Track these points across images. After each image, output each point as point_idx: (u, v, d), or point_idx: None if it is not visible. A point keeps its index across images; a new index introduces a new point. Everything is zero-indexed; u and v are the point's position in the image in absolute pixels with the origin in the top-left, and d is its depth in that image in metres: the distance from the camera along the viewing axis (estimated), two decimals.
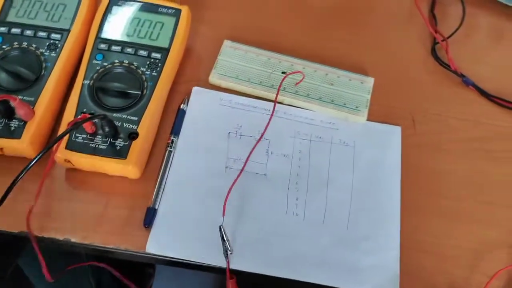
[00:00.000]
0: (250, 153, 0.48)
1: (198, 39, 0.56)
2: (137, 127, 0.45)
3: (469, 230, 0.47)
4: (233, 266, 0.43)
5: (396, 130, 0.52)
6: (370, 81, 0.54)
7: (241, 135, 0.50)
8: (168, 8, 0.52)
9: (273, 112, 0.50)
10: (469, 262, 0.45)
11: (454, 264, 0.45)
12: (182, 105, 0.51)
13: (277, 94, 0.51)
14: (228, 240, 0.43)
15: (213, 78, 0.53)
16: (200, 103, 0.52)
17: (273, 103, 0.51)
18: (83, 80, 0.48)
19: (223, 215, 0.43)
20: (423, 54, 0.57)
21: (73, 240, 0.43)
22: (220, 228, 0.43)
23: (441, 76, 0.56)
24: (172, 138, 0.49)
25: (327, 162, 0.49)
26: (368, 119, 0.52)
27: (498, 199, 0.49)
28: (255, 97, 0.52)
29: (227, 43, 0.55)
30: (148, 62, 0.49)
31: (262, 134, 0.48)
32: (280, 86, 0.51)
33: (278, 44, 0.56)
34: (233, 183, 0.45)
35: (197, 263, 0.43)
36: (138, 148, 0.45)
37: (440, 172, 0.50)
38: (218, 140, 0.50)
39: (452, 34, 0.57)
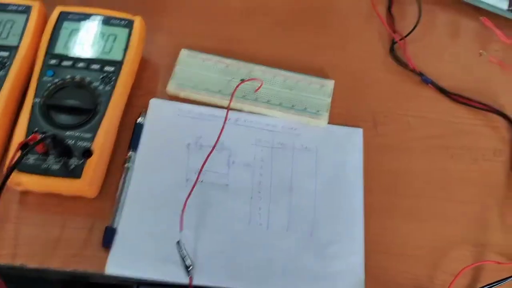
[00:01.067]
0: (204, 163, 0.46)
1: (154, 49, 0.55)
2: (91, 145, 0.44)
3: (432, 229, 0.47)
4: (197, 281, 0.42)
5: (358, 132, 0.52)
6: (330, 84, 0.54)
7: (201, 145, 0.49)
8: (120, 19, 0.51)
9: (225, 120, 0.48)
10: (433, 261, 0.45)
11: (418, 264, 0.45)
12: (139, 118, 0.50)
13: (230, 102, 0.50)
14: (186, 255, 0.42)
15: (171, 89, 0.52)
16: (158, 115, 0.51)
17: (233, 111, 0.51)
18: (34, 98, 0.46)
19: (181, 229, 0.43)
20: (382, 54, 0.57)
21: (29, 265, 0.42)
22: (177, 243, 0.43)
23: (400, 76, 0.56)
24: (130, 153, 0.48)
25: (289, 169, 0.49)
26: (330, 122, 0.51)
27: (459, 195, 0.49)
28: (215, 106, 0.52)
29: (184, 52, 0.54)
30: (101, 77, 0.48)
31: (215, 144, 0.47)
32: (233, 93, 0.50)
33: (237, 51, 0.55)
34: (188, 196, 0.44)
35: (160, 282, 0.42)
36: (93, 166, 0.44)
37: (402, 171, 0.50)
38: (177, 152, 0.49)
39: (409, 33, 0.57)
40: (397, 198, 0.48)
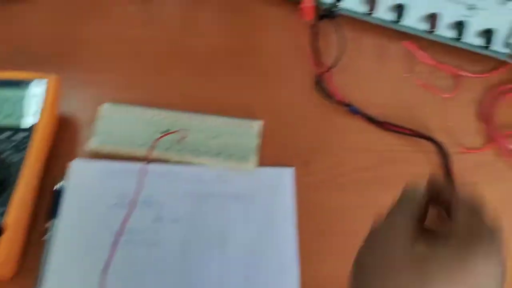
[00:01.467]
0: (124, 223, 0.45)
1: (73, 106, 0.53)
2: (2, 221, 0.42)
3: None
4: None
5: (289, 172, 0.51)
6: (257, 125, 0.53)
7: (127, 205, 0.47)
8: (30, 81, 0.49)
9: (142, 173, 0.47)
10: None
11: None
12: (58, 184, 0.47)
13: (148, 156, 0.48)
14: None
15: (93, 147, 0.50)
16: (80, 177, 0.49)
17: (159, 164, 0.49)
18: None
19: None
20: (309, 89, 0.57)
21: None
22: None
23: (328, 109, 0.55)
24: (49, 223, 0.45)
25: (220, 219, 0.48)
26: (260, 164, 0.50)
27: None
28: (141, 160, 0.50)
29: (106, 106, 0.52)
30: (12, 145, 0.45)
31: (135, 200, 0.45)
32: (152, 147, 0.49)
33: (161, 100, 0.54)
34: (108, 262, 0.42)
35: None
36: (6, 243, 0.41)
37: (336, 209, 0.49)
38: (103, 214, 0.47)
39: (334, 65, 0.57)
40: (333, 238, 0.47)
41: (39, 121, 0.47)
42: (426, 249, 0.29)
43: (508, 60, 0.58)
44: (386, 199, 0.50)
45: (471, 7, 0.56)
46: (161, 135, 0.50)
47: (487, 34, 0.57)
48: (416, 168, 0.52)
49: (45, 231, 0.45)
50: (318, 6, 0.59)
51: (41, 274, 0.42)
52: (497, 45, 0.58)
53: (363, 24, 0.61)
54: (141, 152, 0.50)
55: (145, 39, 0.59)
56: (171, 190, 0.48)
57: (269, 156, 0.51)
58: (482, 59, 0.59)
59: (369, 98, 0.56)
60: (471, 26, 0.57)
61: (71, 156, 0.50)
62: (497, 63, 0.59)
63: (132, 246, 0.45)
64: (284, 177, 0.50)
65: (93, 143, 0.50)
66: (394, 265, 0.29)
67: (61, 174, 0.48)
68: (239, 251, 0.46)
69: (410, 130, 0.54)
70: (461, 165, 0.52)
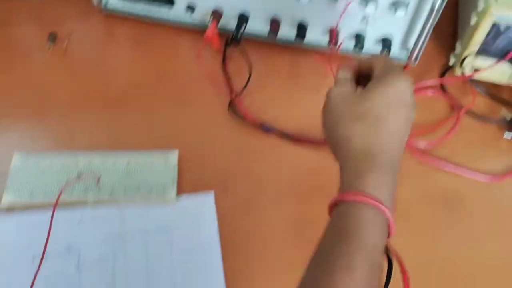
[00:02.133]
0: (35, 277, 0.44)
1: None
2: None
3: (294, 279, 0.47)
4: None
5: (209, 197, 0.51)
6: (174, 155, 0.53)
7: (47, 255, 0.46)
8: None
9: (51, 222, 0.47)
10: None
11: None
12: None
13: (56, 202, 0.48)
14: None
15: (6, 202, 0.49)
16: None
17: (77, 209, 0.49)
18: None
19: None
20: (223, 114, 0.58)
21: None
22: None
23: (243, 131, 0.57)
24: None
25: (144, 255, 0.47)
26: (180, 192, 0.51)
27: (316, 235, 0.50)
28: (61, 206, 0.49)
29: (17, 156, 0.52)
30: None
31: (43, 252, 0.45)
32: (59, 196, 0.48)
33: (73, 143, 0.54)
34: None
35: None
36: None
37: (257, 229, 0.50)
38: (23, 270, 0.45)
39: (243, 88, 0.59)
40: (256, 258, 0.48)
41: None
42: (361, 97, 0.39)
43: (408, 62, 0.61)
44: (306, 212, 0.52)
45: (364, 19, 0.59)
46: (67, 183, 0.49)
47: (385, 41, 0.60)
48: (334, 177, 0.54)
49: None
50: (223, 33, 0.61)
51: None
52: (396, 50, 0.61)
53: (269, 45, 0.64)
54: (58, 199, 0.49)
55: (54, 84, 0.59)
56: (91, 234, 0.48)
57: (188, 183, 0.52)
58: None
59: (282, 115, 0.58)
60: (369, 36, 0.60)
61: None
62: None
63: None
64: (205, 203, 0.51)
65: (6, 199, 0.49)
66: (344, 117, 0.40)
67: None
68: (165, 284, 0.46)
69: (322, 141, 0.56)
70: None
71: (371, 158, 0.37)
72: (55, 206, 0.48)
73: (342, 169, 0.39)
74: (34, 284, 0.44)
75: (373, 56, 0.43)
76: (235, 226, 0.50)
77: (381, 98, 0.38)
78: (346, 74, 0.43)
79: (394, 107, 0.38)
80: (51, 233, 0.47)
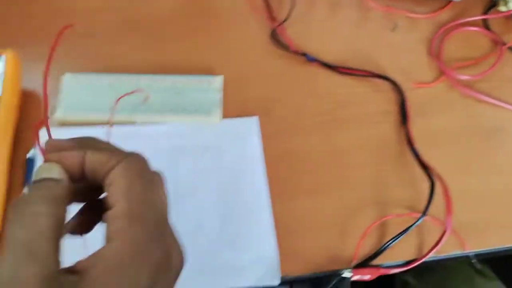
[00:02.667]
0: None
1: (36, 79, 0.54)
2: None
3: (335, 199, 0.49)
4: None
5: (253, 121, 0.53)
6: (219, 80, 0.54)
7: None
8: None
9: (109, 137, 0.48)
10: (341, 229, 0.47)
11: (327, 235, 0.47)
12: (29, 153, 0.49)
13: (110, 118, 0.49)
14: None
15: (59, 116, 0.51)
16: None
17: (126, 125, 0.51)
18: None
19: None
20: (265, 43, 0.58)
21: None
22: None
23: (286, 60, 0.57)
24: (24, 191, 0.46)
25: (191, 170, 0.49)
26: (225, 117, 0.52)
27: (356, 162, 0.51)
28: (106, 124, 0.51)
29: (68, 76, 0.53)
30: None
31: None
32: (114, 108, 0.50)
33: (121, 65, 0.55)
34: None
35: None
36: None
37: (299, 151, 0.51)
38: None
39: (286, 18, 0.59)
40: (298, 177, 0.50)
41: (2, 95, 0.48)
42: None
43: None
44: (346, 138, 0.53)
45: None
46: (121, 96, 0.51)
47: None
48: (372, 107, 0.55)
49: None
50: None
51: None
52: None
53: None
54: (106, 117, 0.51)
55: (99, 9, 0.60)
56: (142, 149, 0.49)
57: (232, 109, 0.53)
58: (428, 0, 0.62)
59: (325, 45, 0.58)
60: None
61: (39, 127, 0.51)
62: (442, 2, 0.62)
63: None
64: (250, 125, 0.52)
65: (59, 114, 0.51)
66: None
67: (31, 145, 0.49)
68: (212, 197, 0.48)
69: (365, 71, 0.56)
70: (415, 99, 0.55)
71: None
72: (111, 119, 0.49)
73: None
74: None
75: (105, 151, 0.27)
76: (278, 150, 0.51)
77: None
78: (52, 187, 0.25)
79: None
80: None
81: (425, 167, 0.48)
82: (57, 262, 0.23)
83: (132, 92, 0.51)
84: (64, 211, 0.25)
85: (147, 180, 0.27)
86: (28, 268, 0.21)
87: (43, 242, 0.23)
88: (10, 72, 0.49)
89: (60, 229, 0.24)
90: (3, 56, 0.49)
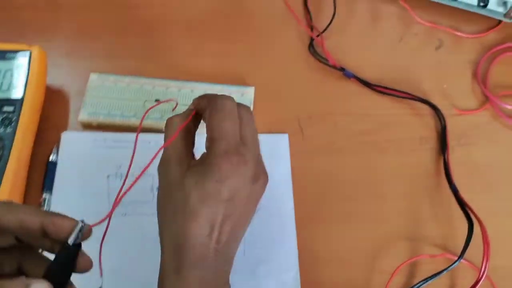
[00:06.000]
0: (117, 196, 0.43)
1: (61, 77, 0.52)
2: None
3: (365, 230, 0.46)
4: None
5: (284, 138, 0.50)
6: (250, 92, 0.52)
7: (121, 175, 0.47)
8: (14, 52, 0.47)
9: (135, 145, 0.45)
10: (369, 263, 0.45)
11: (353, 267, 0.45)
12: (51, 156, 0.47)
13: (139, 128, 0.44)
14: None
15: (83, 118, 0.49)
16: (72, 149, 0.48)
17: (153, 134, 0.48)
18: None
19: (101, 274, 0.40)
20: (302, 53, 0.55)
21: None
22: None
23: (322, 73, 0.54)
24: (44, 196, 0.45)
25: None
26: None
27: (390, 191, 0.48)
28: (132, 131, 0.49)
29: (93, 77, 0.51)
30: (2, 117, 0.44)
31: (128, 171, 0.44)
32: (142, 119, 0.45)
33: (150, 68, 0.53)
34: (103, 236, 0.41)
35: None
36: None
37: (331, 174, 0.49)
38: (97, 187, 0.46)
39: (326, 28, 0.56)
40: (328, 203, 0.47)
41: (27, 93, 0.45)
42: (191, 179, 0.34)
43: (503, 19, 0.57)
44: (381, 163, 0.50)
45: None
46: (153, 104, 0.49)
47: None
48: (410, 131, 0.52)
49: (40, 203, 0.44)
50: None
51: None
52: (492, 4, 0.56)
53: None
54: (132, 122, 0.49)
55: (129, 5, 0.57)
56: None
57: (263, 122, 0.50)
58: (477, 18, 0.58)
59: (363, 60, 0.55)
60: None
61: (62, 128, 0.49)
62: (492, 22, 0.58)
63: (129, 219, 0.45)
64: (280, 144, 0.50)
65: (82, 116, 0.49)
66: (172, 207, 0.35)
67: (53, 146, 0.47)
68: None
69: (405, 93, 0.53)
70: (456, 127, 0.52)
71: (183, 252, 0.33)
72: (139, 127, 0.46)
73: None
74: (108, 202, 0.45)
75: (203, 96, 0.38)
76: (309, 171, 0.48)
77: (196, 189, 0.33)
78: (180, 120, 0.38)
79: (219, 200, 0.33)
80: (125, 153, 0.47)
81: (463, 205, 0.45)
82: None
83: (163, 102, 0.49)
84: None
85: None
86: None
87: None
88: (35, 70, 0.46)
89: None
90: (28, 52, 0.47)
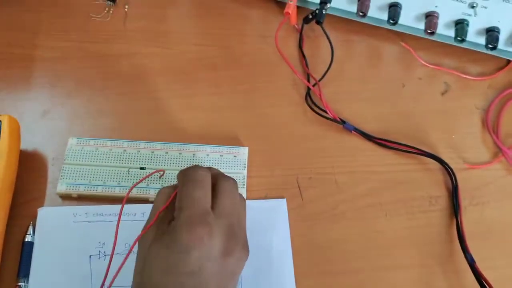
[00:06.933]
0: (105, 278, 0.39)
1: (38, 140, 0.47)
2: None
3: None
4: None
5: (282, 204, 0.46)
6: (244, 152, 0.48)
7: (104, 254, 0.43)
8: None
9: (119, 219, 0.40)
10: None
11: None
12: (26, 236, 0.42)
13: (125, 199, 0.40)
14: None
15: (61, 189, 0.45)
16: (50, 226, 0.43)
17: (140, 204, 0.44)
18: None
19: None
20: (299, 105, 0.51)
21: None
22: None
23: (321, 127, 0.50)
24: (19, 283, 0.40)
25: None
26: (248, 196, 0.46)
27: (399, 260, 0.44)
28: (117, 202, 0.45)
29: (72, 141, 0.47)
30: None
31: (113, 251, 0.40)
32: (129, 191, 0.41)
33: (133, 127, 0.49)
34: None
35: None
36: None
37: (335, 242, 0.44)
38: (79, 270, 0.42)
39: (323, 76, 0.52)
40: (332, 275, 0.43)
41: None
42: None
43: None
44: (388, 228, 0.46)
45: (472, 5, 0.50)
46: (141, 178, 0.44)
47: (490, 32, 0.52)
48: (418, 190, 0.47)
49: None
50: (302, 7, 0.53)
51: None
52: (500, 43, 0.52)
53: (353, 25, 0.56)
54: (116, 192, 0.45)
55: (109, 55, 0.53)
56: None
57: (258, 185, 0.47)
58: (484, 58, 0.54)
59: (365, 109, 0.51)
60: (472, 24, 0.52)
61: (39, 199, 0.45)
62: (500, 62, 0.55)
63: None
64: (278, 210, 0.45)
65: (61, 186, 0.45)
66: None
67: (29, 222, 0.43)
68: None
69: (411, 147, 0.49)
70: (468, 183, 0.48)
71: None
72: (123, 202, 0.42)
73: None
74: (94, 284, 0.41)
75: (180, 172, 0.37)
76: (310, 240, 0.44)
77: (160, 261, 0.33)
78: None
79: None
80: (109, 229, 0.43)
81: (480, 280, 0.41)
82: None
83: (152, 173, 0.44)
84: None
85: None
86: None
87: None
88: (6, 142, 0.42)
89: None
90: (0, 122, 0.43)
